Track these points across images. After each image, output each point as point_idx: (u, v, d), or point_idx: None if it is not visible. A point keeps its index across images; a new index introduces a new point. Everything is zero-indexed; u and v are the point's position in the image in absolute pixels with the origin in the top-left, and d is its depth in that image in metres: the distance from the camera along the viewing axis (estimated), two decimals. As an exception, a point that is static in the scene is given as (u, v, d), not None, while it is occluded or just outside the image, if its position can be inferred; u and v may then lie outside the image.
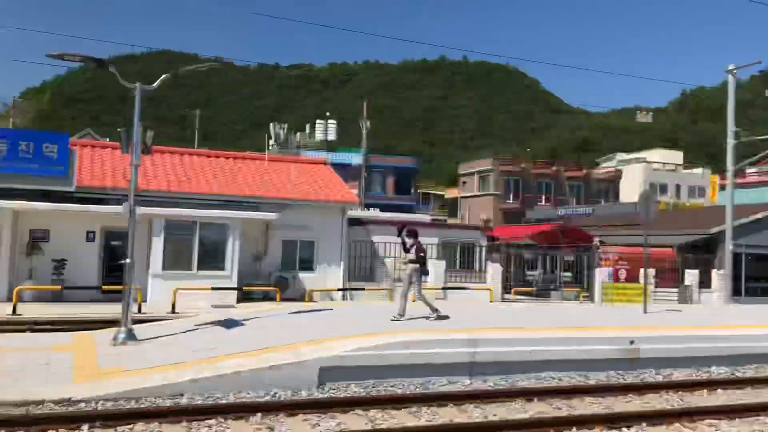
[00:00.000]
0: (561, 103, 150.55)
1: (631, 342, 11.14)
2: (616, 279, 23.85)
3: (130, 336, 10.94)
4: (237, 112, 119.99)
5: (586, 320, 13.96)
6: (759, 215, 29.00)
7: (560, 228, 29.97)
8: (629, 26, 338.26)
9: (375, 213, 29.98)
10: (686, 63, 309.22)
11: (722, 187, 50.94)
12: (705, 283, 24.76)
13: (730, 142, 25.33)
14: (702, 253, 27.49)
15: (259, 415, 7.59)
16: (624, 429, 7.67)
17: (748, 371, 11.62)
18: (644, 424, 7.81)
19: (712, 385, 10.21)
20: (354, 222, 22.66)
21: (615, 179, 62.11)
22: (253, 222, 19.97)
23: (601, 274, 22.78)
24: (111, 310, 14.02)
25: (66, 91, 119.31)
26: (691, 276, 24.26)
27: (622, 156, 72.79)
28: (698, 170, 69.51)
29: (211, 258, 19.04)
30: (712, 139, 73.87)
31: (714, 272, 25.01)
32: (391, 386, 9.51)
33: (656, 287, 22.97)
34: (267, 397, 8.47)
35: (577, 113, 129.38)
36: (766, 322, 14.65)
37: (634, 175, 61.87)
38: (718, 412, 8.32)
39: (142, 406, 7.72)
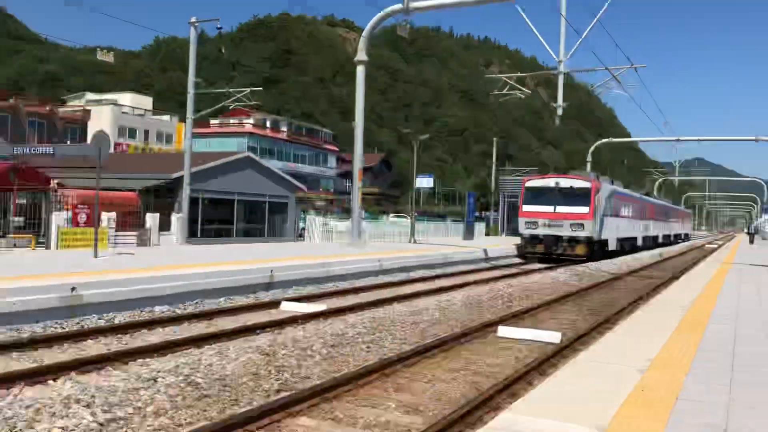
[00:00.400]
0: (24, 29, 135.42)
1: (73, 289, 10.55)
2: (76, 223, 22.73)
3: None
4: None
5: (29, 269, 12.71)
6: (215, 162, 31.59)
7: (13, 168, 26.83)
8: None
9: None
10: (161, 11, 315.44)
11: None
12: (167, 226, 25.76)
13: (191, 92, 26.60)
14: (165, 197, 28.48)
15: None
16: (50, 381, 7.12)
17: (189, 308, 12.39)
18: (74, 373, 7.40)
19: (152, 324, 10.46)
20: None
21: (83, 120, 59.19)
22: None
23: (58, 219, 21.34)
24: None
25: None
26: (152, 219, 24.85)
27: (91, 96, 69.90)
28: (166, 117, 71.92)
29: None
30: (181, 88, 77.41)
31: (173, 215, 26.19)
32: None
33: (117, 231, 22.77)
34: None
35: (45, 44, 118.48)
36: (209, 262, 15.90)
37: (103, 116, 60.12)
38: (150, 351, 8.51)
39: None
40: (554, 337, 10.86)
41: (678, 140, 53.81)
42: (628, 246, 35.97)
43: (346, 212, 71.35)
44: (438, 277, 20.09)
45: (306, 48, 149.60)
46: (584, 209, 27.77)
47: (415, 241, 29.78)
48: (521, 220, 29.12)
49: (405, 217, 66.08)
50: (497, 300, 15.68)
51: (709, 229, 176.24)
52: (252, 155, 34.88)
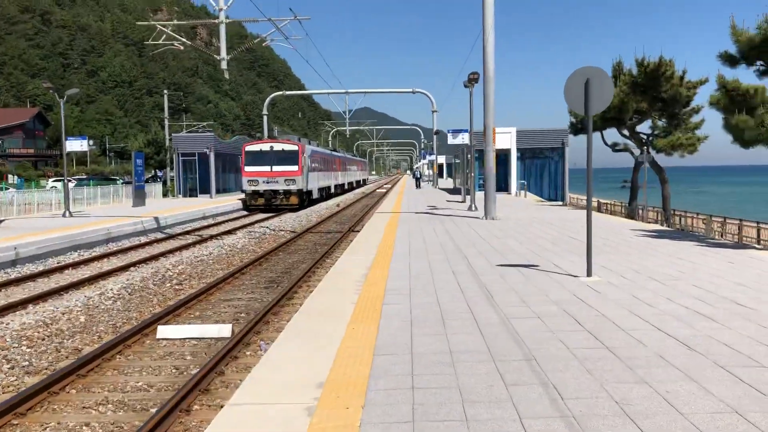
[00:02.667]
0: None
1: None
2: None
3: None
4: None
5: None
6: None
7: None
8: None
9: None
10: None
11: None
12: None
13: None
14: None
15: None
16: None
17: None
18: None
19: None
20: None
21: None
22: None
23: None
24: None
25: None
26: None
27: None
28: None
29: None
30: None
31: None
32: None
33: None
34: None
35: None
36: None
37: None
38: None
39: None
40: (224, 330, 9.43)
41: (347, 93, 56.19)
42: (325, 194, 44.08)
43: (-7, 179, 60.58)
44: (94, 260, 17.17)
45: None
46: (294, 167, 34.24)
47: (71, 214, 25.71)
48: (244, 179, 34.32)
49: (70, 180, 58.59)
50: (165, 283, 13.72)
51: (378, 173, 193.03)
52: None
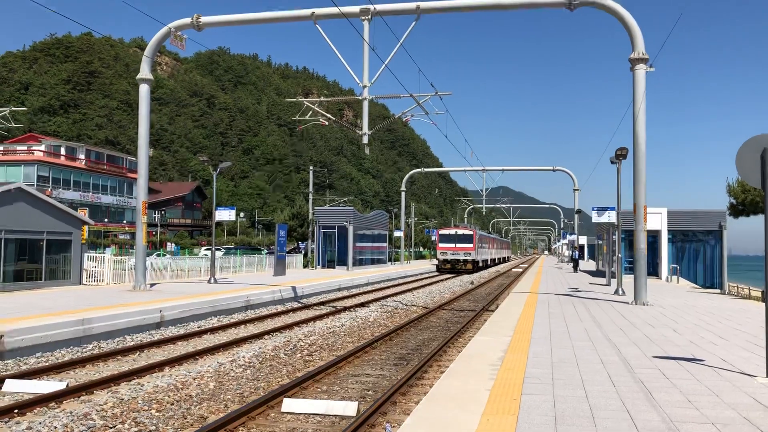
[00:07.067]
0: None
1: None
2: None
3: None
4: None
5: None
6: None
7: None
8: None
9: None
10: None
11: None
12: None
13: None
14: None
15: None
16: None
17: None
18: None
19: None
20: None
21: None
22: None
23: None
24: None
25: None
26: None
27: None
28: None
29: None
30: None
31: None
32: None
33: None
34: None
35: None
36: None
37: None
38: None
39: None
40: (350, 408, 8.94)
41: (484, 170, 55.92)
42: (484, 264, 59.68)
43: (154, 246, 65.89)
44: (231, 326, 17.52)
45: (111, 70, 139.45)
46: (470, 245, 50.62)
47: (215, 281, 26.82)
48: (438, 252, 52.06)
49: (219, 249, 62.29)
50: (296, 353, 13.56)
51: (514, 252, 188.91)
52: (24, 186, 29.79)
